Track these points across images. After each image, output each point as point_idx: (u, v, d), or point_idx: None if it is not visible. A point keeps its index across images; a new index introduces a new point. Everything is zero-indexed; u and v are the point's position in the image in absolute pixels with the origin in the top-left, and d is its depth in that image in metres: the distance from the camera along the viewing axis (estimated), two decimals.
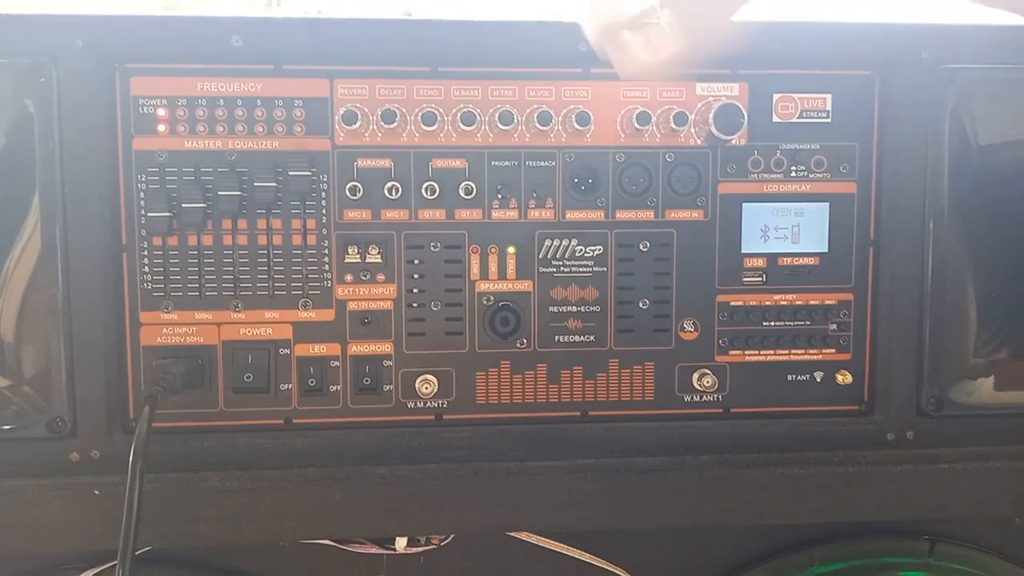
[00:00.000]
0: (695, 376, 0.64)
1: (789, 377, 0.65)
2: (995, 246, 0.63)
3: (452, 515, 0.62)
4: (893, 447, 0.64)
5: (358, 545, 0.64)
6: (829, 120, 0.63)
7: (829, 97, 0.63)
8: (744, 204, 0.63)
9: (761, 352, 0.65)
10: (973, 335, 0.64)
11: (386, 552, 0.64)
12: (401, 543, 0.63)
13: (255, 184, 0.59)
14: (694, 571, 0.71)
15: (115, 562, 0.52)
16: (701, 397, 0.65)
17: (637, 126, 0.61)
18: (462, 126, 0.60)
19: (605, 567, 0.68)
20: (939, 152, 0.63)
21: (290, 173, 0.60)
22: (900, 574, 0.66)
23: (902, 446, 0.64)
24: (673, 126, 0.61)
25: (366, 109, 0.60)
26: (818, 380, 0.65)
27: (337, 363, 0.62)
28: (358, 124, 0.59)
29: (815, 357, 0.65)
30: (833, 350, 0.65)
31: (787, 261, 0.64)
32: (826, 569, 0.67)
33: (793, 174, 0.63)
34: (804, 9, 0.67)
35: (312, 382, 0.62)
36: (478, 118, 0.60)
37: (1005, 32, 0.62)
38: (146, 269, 0.60)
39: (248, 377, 0.61)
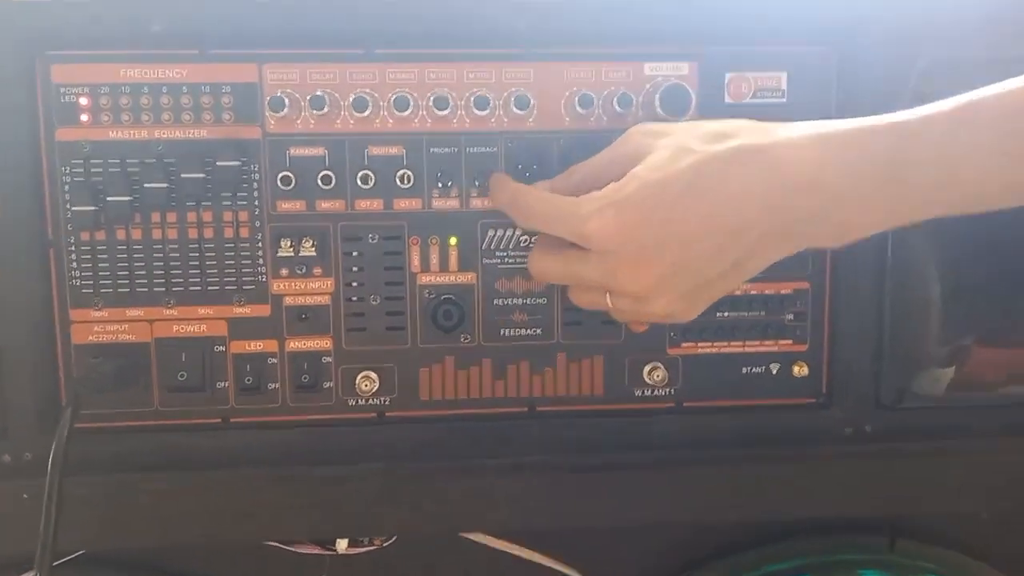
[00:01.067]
0: (646, 369, 0.62)
1: (744, 370, 0.63)
2: (958, 233, 0.61)
3: (395, 516, 0.61)
4: (851, 441, 0.62)
5: (299, 545, 0.63)
6: (784, 100, 0.60)
7: (784, 75, 0.60)
8: None
9: (714, 344, 0.62)
10: (935, 326, 0.62)
11: (328, 553, 0.62)
12: (342, 544, 0.61)
13: (182, 175, 0.57)
14: (648, 569, 0.69)
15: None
16: (652, 391, 0.63)
17: (580, 109, 0.58)
18: (396, 112, 0.57)
19: (556, 567, 0.66)
20: None
21: (219, 163, 0.57)
22: (858, 572, 0.64)
23: (860, 440, 0.62)
24: (618, 109, 0.58)
25: (296, 95, 0.58)
26: (774, 372, 0.63)
27: (274, 360, 0.60)
28: (286, 111, 0.57)
29: (771, 349, 0.63)
30: (789, 341, 0.63)
31: None
32: (782, 567, 0.65)
33: None
34: None
35: (249, 380, 0.60)
36: (412, 103, 0.58)
37: (971, 8, 0.59)
38: (74, 265, 0.58)
39: (182, 375, 0.59)
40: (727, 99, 0.60)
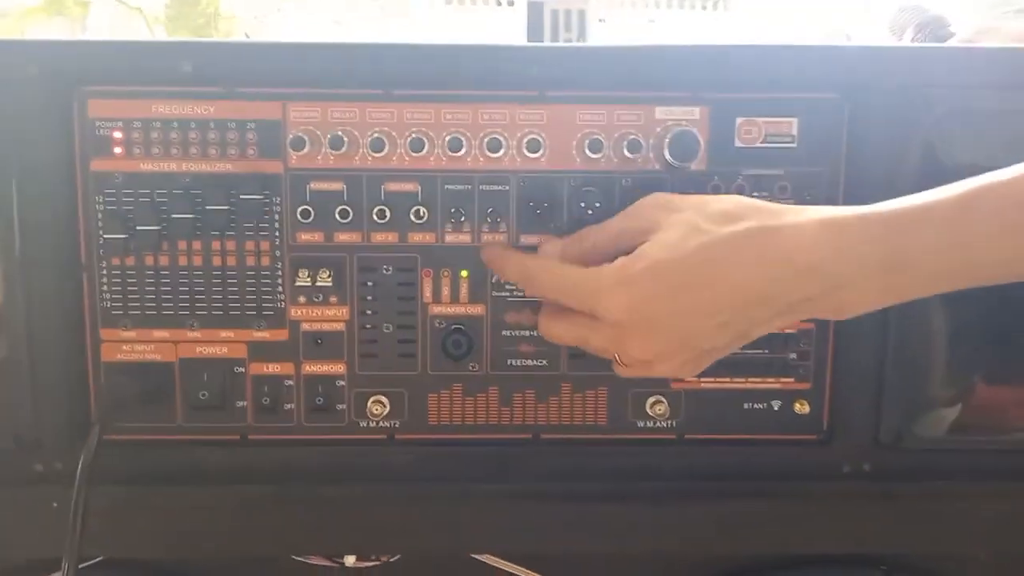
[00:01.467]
0: (648, 402, 0.64)
1: (746, 405, 0.64)
2: None
3: (401, 536, 0.64)
4: (849, 479, 0.63)
5: (310, 557, 0.66)
6: (794, 145, 0.61)
7: (795, 121, 0.61)
8: None
9: (717, 380, 0.64)
10: (938, 367, 0.62)
11: (336, 565, 0.65)
12: (350, 559, 0.64)
13: (208, 207, 0.60)
14: None
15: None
16: (655, 423, 0.64)
17: (590, 154, 0.60)
18: (412, 152, 0.60)
19: None
20: (909, 180, 0.60)
21: (242, 196, 0.60)
22: None
23: (858, 478, 0.63)
24: (627, 154, 0.60)
25: (318, 132, 0.60)
26: (776, 409, 0.64)
27: (291, 382, 0.63)
28: (307, 149, 0.59)
29: (773, 386, 0.64)
30: (792, 379, 0.64)
31: None
32: None
33: None
34: (771, 35, 0.65)
35: (266, 400, 0.63)
36: (426, 144, 0.60)
37: (982, 56, 0.59)
38: (105, 288, 0.61)
39: (204, 394, 0.63)
40: (737, 143, 0.61)
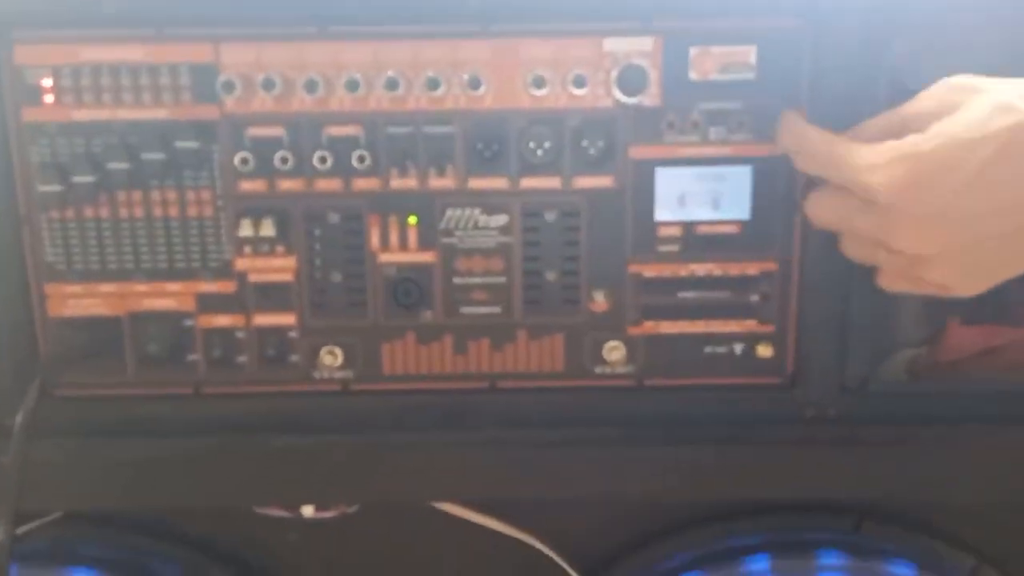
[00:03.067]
0: (605, 348, 0.62)
1: (707, 349, 0.62)
2: None
3: (359, 486, 0.63)
4: (813, 424, 0.62)
5: (266, 508, 0.66)
6: (753, 76, 0.58)
7: (753, 50, 0.57)
8: (658, 169, 0.59)
9: (676, 323, 0.62)
10: (904, 311, 0.60)
11: (294, 516, 0.65)
12: (307, 509, 0.64)
13: (143, 156, 0.58)
14: (610, 539, 0.71)
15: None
16: (613, 369, 0.63)
17: (534, 91, 0.57)
18: (349, 93, 0.57)
19: (517, 535, 0.68)
20: (875, 107, 0.57)
21: (179, 144, 0.58)
22: (815, 552, 0.64)
23: (822, 423, 0.62)
24: (574, 90, 0.57)
25: (252, 74, 0.57)
26: (737, 353, 0.62)
27: (242, 334, 0.62)
28: (239, 92, 0.57)
29: (735, 329, 0.62)
30: (754, 322, 0.62)
31: (706, 229, 0.60)
32: (743, 543, 0.66)
33: (712, 136, 0.59)
34: None
35: (218, 353, 0.62)
36: (362, 84, 0.57)
37: None
38: (47, 241, 0.60)
39: (154, 348, 0.62)
40: (692, 75, 0.58)
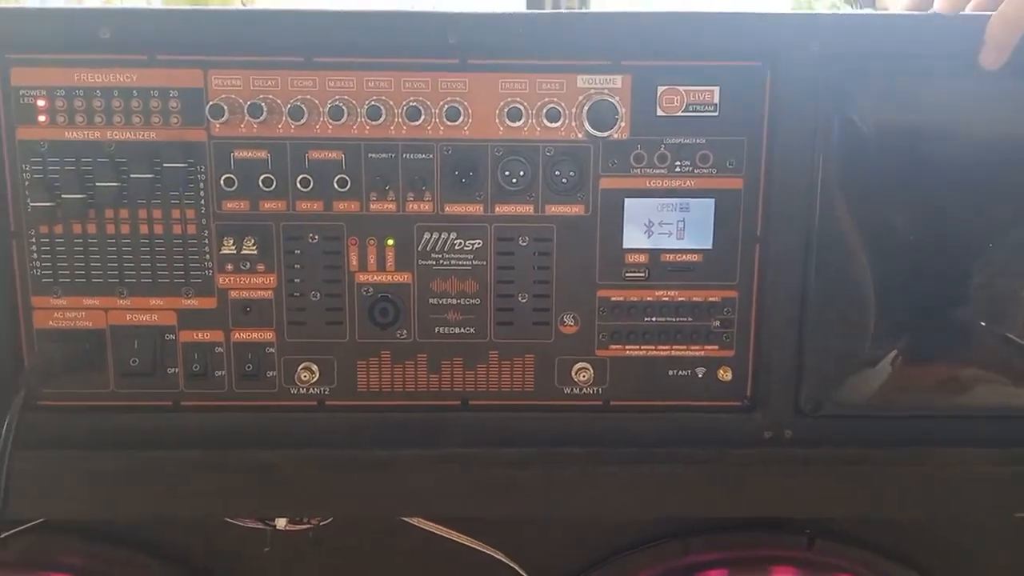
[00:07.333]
0: (574, 369, 0.65)
1: (670, 372, 0.65)
2: (886, 242, 0.62)
3: (332, 499, 0.65)
4: (771, 445, 0.65)
5: (242, 519, 0.67)
6: (716, 113, 0.61)
7: (717, 90, 0.61)
8: (626, 199, 0.62)
9: (642, 347, 0.65)
10: (858, 336, 0.63)
11: (268, 528, 0.67)
12: (281, 521, 0.65)
13: (132, 175, 0.60)
14: (575, 555, 0.73)
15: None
16: (580, 390, 0.65)
17: (510, 123, 0.60)
18: (333, 120, 0.60)
19: (486, 551, 0.70)
20: (829, 145, 0.61)
21: (166, 165, 0.60)
22: (769, 568, 0.67)
23: (779, 444, 0.64)
24: (547, 123, 0.60)
25: (239, 100, 0.60)
26: (700, 376, 0.65)
27: (221, 349, 0.64)
28: (227, 117, 0.59)
29: (697, 353, 0.65)
30: (716, 347, 0.65)
31: (670, 258, 0.63)
32: (702, 559, 0.68)
33: (678, 169, 0.62)
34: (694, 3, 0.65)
35: (197, 367, 0.64)
36: (346, 113, 0.60)
37: (895, 21, 0.59)
38: (35, 256, 0.62)
39: (135, 361, 0.64)
40: (659, 112, 0.61)
